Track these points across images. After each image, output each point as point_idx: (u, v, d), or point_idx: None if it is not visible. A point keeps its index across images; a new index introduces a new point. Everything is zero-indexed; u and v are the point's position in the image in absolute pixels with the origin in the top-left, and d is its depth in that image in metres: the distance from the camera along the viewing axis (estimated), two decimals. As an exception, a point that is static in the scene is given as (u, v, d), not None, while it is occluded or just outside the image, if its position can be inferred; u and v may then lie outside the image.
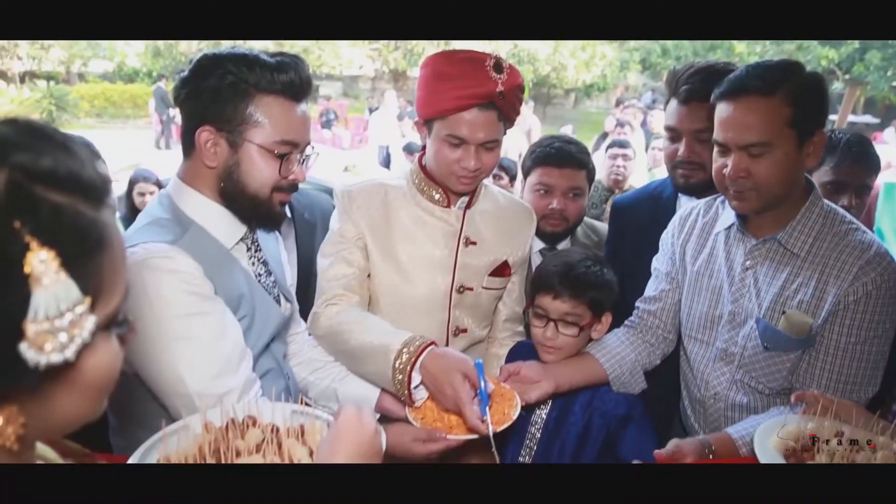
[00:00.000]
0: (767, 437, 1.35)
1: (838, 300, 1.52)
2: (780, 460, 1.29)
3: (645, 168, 6.60)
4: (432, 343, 1.58)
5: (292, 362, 1.77)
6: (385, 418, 1.70)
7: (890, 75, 15.09)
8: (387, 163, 10.91)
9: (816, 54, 15.10)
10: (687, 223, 1.82)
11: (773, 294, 1.60)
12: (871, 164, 2.29)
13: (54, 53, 20.60)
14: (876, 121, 19.11)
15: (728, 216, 1.70)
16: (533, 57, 18.17)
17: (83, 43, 20.15)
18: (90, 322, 0.61)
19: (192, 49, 19.60)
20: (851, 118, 17.60)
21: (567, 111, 25.22)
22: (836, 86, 17.77)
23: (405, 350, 1.56)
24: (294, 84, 1.41)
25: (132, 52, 21.38)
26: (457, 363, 1.53)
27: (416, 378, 1.55)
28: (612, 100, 19.24)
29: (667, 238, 1.88)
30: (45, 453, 0.82)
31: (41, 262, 0.56)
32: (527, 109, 11.00)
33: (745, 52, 15.72)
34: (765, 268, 1.63)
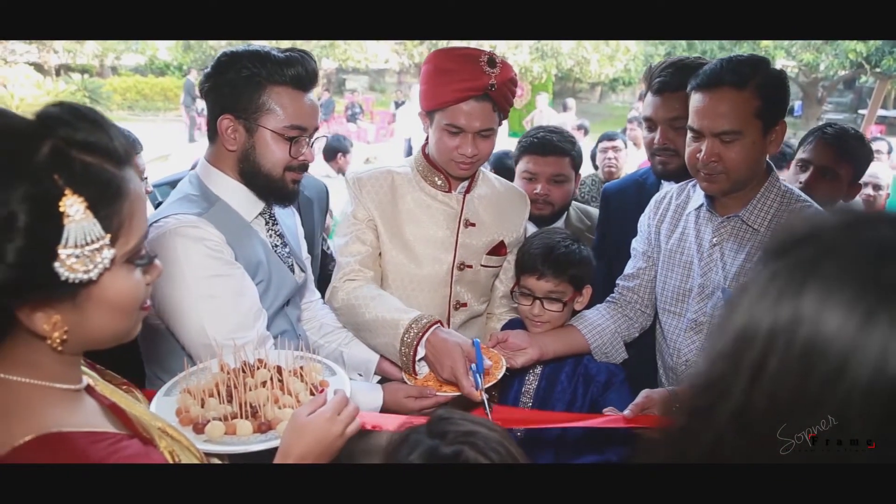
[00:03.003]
0: None
1: None
2: None
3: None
4: (438, 322, 1.76)
5: (306, 326, 1.97)
6: (383, 378, 1.90)
7: (920, 69, 14.83)
8: (409, 155, 11.04)
9: (844, 48, 14.90)
10: (661, 206, 1.97)
11: (737, 266, 1.75)
12: (841, 150, 2.39)
13: (89, 47, 21.11)
14: (906, 115, 18.80)
15: (698, 198, 1.85)
16: (556, 51, 18.16)
17: (117, 37, 20.60)
18: (109, 253, 0.81)
19: (222, 44, 19.94)
20: (882, 112, 17.31)
21: (592, 105, 25.09)
22: (867, 80, 17.52)
23: (413, 326, 1.73)
24: (301, 76, 1.60)
25: (163, 46, 21.83)
26: (459, 341, 1.70)
27: (421, 352, 1.72)
28: (637, 94, 19.15)
29: (644, 220, 2.02)
30: (92, 375, 1.01)
31: (72, 204, 0.77)
32: (542, 102, 11.10)
33: (772, 46, 15.56)
34: (730, 243, 1.77)
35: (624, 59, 18.88)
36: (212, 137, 1.66)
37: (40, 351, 0.83)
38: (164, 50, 22.16)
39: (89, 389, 0.94)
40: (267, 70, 1.56)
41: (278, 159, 1.62)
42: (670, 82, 2.00)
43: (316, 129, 1.68)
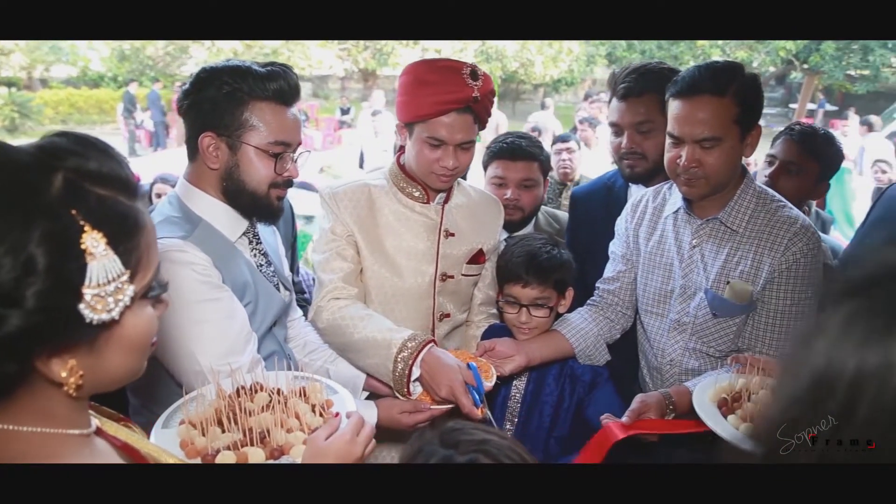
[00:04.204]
0: (705, 392, 1.57)
1: (773, 268, 1.74)
2: (714, 409, 1.51)
3: (609, 160, 6.82)
4: (432, 341, 1.75)
5: (290, 345, 1.92)
6: (374, 394, 1.87)
7: (844, 64, 15.62)
8: (362, 166, 10.98)
9: (775, 46, 15.52)
10: (638, 209, 2.01)
11: (717, 267, 1.80)
12: (805, 147, 2.51)
13: (15, 59, 20.18)
14: (834, 108, 19.76)
15: (675, 201, 1.89)
16: (501, 54, 18.37)
17: (45, 48, 19.79)
18: (130, 289, 0.77)
19: (159, 53, 19.42)
20: (811, 106, 18.17)
21: (536, 107, 25.35)
22: (796, 76, 18.32)
23: (407, 345, 1.70)
24: (283, 90, 1.57)
25: (96, 56, 21.06)
26: (455, 362, 1.69)
27: (416, 372, 1.70)
28: (580, 94, 19.52)
29: (621, 224, 2.06)
30: (93, 414, 0.97)
31: (93, 240, 0.72)
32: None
33: (707, 45, 16.07)
34: (709, 244, 1.82)
35: (567, 59, 19.21)
36: (192, 156, 1.61)
37: (54, 398, 0.79)
38: (98, 60, 21.35)
39: (98, 431, 0.90)
40: (248, 85, 1.52)
41: (263, 176, 1.58)
42: (634, 87, 2.05)
43: (299, 143, 1.65)
